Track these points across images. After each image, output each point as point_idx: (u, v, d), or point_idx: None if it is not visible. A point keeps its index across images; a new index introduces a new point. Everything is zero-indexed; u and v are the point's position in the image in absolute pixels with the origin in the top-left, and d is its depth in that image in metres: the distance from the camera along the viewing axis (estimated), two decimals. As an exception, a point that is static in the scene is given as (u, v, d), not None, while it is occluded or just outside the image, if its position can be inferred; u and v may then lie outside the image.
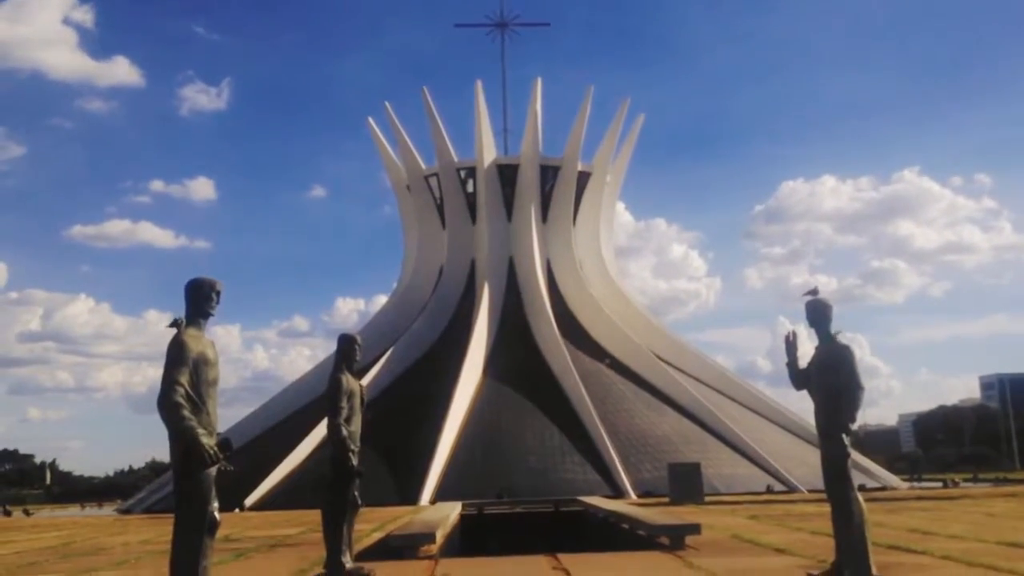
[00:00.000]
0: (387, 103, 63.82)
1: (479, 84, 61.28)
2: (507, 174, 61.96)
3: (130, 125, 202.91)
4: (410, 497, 42.77)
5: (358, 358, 12.53)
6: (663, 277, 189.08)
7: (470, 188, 62.29)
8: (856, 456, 54.19)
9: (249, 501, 43.92)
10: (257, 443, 50.51)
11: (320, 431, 50.49)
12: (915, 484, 60.20)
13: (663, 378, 54.84)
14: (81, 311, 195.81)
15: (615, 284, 63.06)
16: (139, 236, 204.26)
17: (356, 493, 12.09)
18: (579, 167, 62.21)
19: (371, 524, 22.63)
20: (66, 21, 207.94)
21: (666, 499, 35.48)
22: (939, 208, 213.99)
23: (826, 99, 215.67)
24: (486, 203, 61.22)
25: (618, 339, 57.65)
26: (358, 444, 12.13)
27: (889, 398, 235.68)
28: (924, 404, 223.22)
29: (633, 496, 43.10)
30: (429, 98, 61.60)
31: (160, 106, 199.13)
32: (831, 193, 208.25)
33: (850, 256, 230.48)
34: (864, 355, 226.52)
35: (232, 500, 41.06)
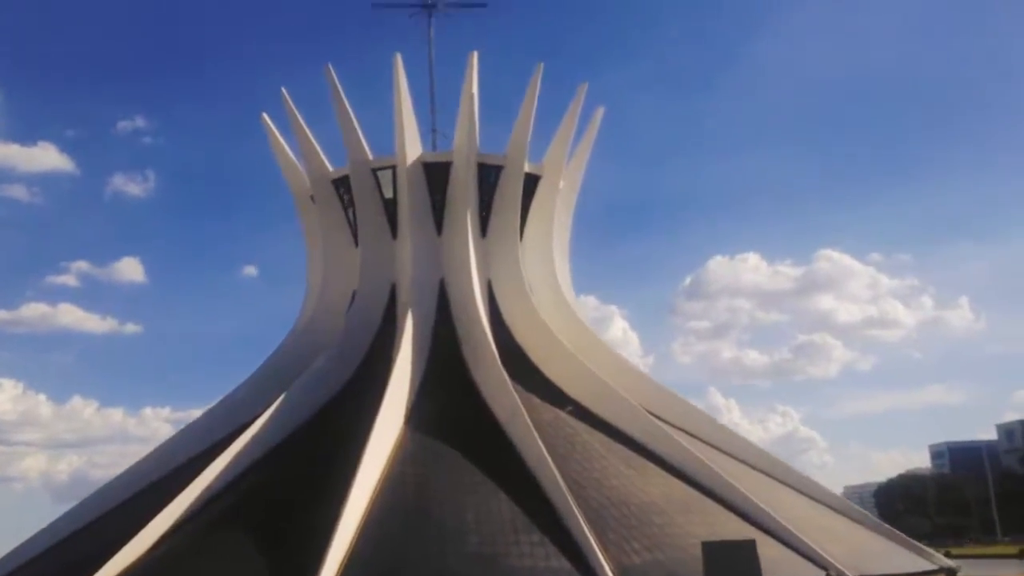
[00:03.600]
0: (283, 89, 50.71)
1: (399, 58, 48.23)
2: (436, 175, 49.12)
3: (52, 209, 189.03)
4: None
5: None
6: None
7: (389, 194, 49.19)
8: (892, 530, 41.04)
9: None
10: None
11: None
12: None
13: (645, 428, 41.76)
14: (2, 399, 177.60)
15: (574, 312, 50.04)
16: (60, 320, 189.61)
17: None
18: (527, 168, 49.58)
19: None
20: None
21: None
22: (861, 284, 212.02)
23: (749, 178, 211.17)
24: (410, 211, 48.31)
25: (582, 379, 44.61)
26: None
27: (824, 471, 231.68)
28: (861, 477, 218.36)
29: (621, 591, 29.62)
30: (335, 78, 48.54)
31: (84, 191, 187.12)
32: (752, 270, 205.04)
33: (775, 331, 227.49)
34: (797, 427, 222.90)
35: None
